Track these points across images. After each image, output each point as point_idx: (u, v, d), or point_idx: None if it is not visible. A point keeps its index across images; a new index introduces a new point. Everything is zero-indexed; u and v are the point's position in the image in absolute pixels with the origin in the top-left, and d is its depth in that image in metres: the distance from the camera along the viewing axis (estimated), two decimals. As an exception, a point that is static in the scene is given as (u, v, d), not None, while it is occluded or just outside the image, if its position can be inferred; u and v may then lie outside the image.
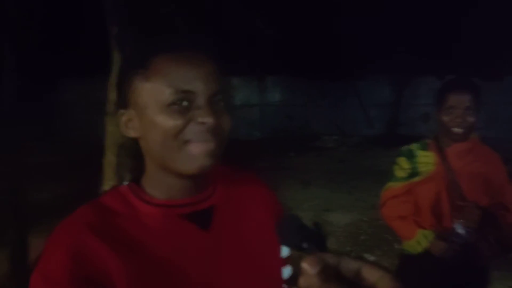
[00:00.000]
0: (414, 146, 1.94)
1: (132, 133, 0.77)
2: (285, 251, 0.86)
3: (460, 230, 1.76)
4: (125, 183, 0.80)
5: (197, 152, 0.71)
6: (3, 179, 4.11)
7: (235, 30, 9.93)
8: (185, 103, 0.71)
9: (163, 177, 0.77)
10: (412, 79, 11.45)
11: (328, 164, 8.66)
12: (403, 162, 1.93)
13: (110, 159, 2.89)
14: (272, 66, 12.05)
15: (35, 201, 6.04)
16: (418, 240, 1.84)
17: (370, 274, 0.44)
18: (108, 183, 2.88)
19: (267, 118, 12.43)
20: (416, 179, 1.89)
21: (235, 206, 0.84)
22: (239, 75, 12.27)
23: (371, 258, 4.18)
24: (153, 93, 0.71)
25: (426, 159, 1.87)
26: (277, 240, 0.69)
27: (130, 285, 0.68)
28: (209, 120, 0.70)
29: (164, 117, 0.71)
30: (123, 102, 0.77)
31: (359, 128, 11.71)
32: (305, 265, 0.44)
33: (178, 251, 0.74)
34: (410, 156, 1.92)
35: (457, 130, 1.76)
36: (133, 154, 0.81)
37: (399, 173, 1.94)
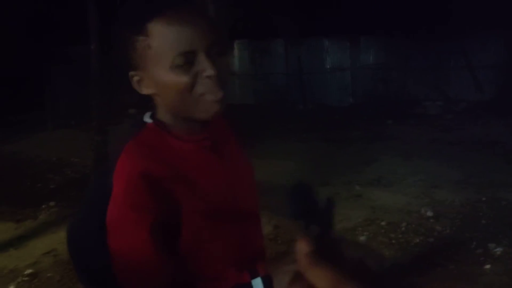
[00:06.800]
0: None
1: (145, 91, 0.85)
2: None
3: None
4: (147, 120, 0.88)
5: (211, 101, 0.81)
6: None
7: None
8: (188, 62, 0.78)
9: (181, 121, 0.86)
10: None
11: (431, 133, 7.81)
12: None
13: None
14: (365, 25, 11.14)
15: None
16: None
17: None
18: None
19: (359, 83, 11.64)
20: None
21: (223, 140, 0.96)
22: (328, 36, 11.55)
23: (499, 249, 3.55)
24: (158, 58, 0.78)
25: None
26: (251, 165, 1.00)
27: (194, 211, 0.81)
28: (212, 73, 0.78)
29: (173, 77, 0.79)
30: (131, 64, 0.83)
31: (467, 92, 10.45)
32: (298, 245, 0.50)
33: (213, 178, 0.88)
34: None
35: None
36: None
37: None
